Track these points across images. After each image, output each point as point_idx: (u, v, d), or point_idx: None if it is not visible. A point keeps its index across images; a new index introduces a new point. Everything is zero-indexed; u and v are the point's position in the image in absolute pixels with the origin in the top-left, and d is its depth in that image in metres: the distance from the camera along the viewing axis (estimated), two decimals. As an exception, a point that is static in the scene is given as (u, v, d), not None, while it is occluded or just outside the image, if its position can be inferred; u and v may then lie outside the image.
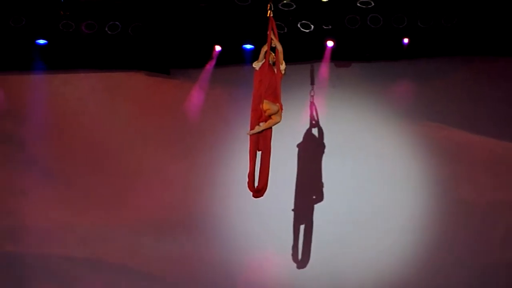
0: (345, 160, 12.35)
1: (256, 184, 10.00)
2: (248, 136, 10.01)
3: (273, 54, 10.09)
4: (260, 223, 12.26)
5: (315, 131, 12.32)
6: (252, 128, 10.02)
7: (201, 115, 12.63)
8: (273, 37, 10.09)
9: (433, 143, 12.31)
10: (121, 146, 12.70)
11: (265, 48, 10.11)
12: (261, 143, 10.09)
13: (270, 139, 10.07)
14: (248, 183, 9.98)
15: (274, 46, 10.08)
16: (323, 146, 12.31)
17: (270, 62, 10.04)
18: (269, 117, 10.01)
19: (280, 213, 12.18)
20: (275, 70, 10.05)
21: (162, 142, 12.68)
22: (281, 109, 10.04)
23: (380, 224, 12.17)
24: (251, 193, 10.06)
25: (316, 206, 12.22)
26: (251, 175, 10.03)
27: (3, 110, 12.77)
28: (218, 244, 12.32)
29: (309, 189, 12.30)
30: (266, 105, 9.99)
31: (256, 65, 10.10)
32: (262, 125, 10.03)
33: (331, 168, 12.30)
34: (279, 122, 10.05)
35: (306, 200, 12.29)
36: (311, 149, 12.37)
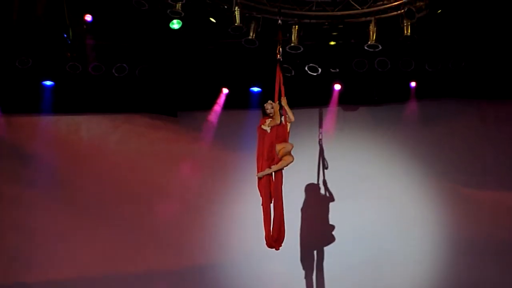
0: (354, 203, 12.29)
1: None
2: (257, 179, 10.00)
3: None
4: (271, 266, 12.15)
5: (324, 174, 12.27)
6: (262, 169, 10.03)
7: (208, 158, 12.63)
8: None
9: (441, 185, 12.26)
10: (130, 189, 12.64)
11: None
12: (273, 189, 10.06)
13: (282, 184, 10.05)
14: (266, 233, 9.93)
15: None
16: (330, 190, 12.27)
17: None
18: (280, 159, 10.03)
19: (291, 256, 12.06)
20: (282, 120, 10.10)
21: (170, 184, 12.62)
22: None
23: (390, 267, 12.08)
24: (269, 243, 10.02)
25: (326, 248, 12.14)
26: (268, 225, 10.00)
27: (10, 151, 12.75)
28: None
29: (320, 233, 12.23)
30: (279, 146, 10.01)
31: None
32: (274, 167, 10.03)
33: (340, 211, 12.23)
34: (292, 161, 10.05)
35: (317, 243, 12.22)
36: (321, 193, 12.30)
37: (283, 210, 10.08)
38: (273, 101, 10.10)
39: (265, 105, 10.17)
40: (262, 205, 10.03)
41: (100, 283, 12.29)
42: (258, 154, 10.07)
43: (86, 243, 12.44)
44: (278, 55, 10.27)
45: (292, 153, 10.06)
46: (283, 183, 9.99)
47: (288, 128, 10.21)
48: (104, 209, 12.55)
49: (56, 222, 12.51)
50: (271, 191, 10.04)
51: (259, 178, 9.99)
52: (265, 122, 10.07)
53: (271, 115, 10.09)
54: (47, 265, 12.36)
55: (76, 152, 12.78)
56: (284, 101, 10.13)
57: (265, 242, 10.06)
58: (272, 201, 10.09)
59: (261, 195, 10.01)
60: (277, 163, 10.05)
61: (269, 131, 10.06)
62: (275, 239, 10.04)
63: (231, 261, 12.30)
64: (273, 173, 10.03)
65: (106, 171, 12.70)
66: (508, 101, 12.23)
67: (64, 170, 12.69)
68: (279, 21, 10.66)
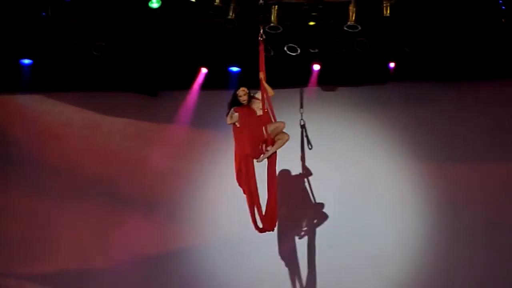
0: (335, 183, 12.35)
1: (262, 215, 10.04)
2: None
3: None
4: (248, 248, 12.22)
5: (304, 155, 12.33)
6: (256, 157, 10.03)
7: (187, 137, 12.62)
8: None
9: (422, 165, 12.32)
10: (107, 167, 12.64)
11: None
12: (268, 171, 10.10)
13: (276, 164, 10.13)
14: (256, 216, 10.01)
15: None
16: (311, 170, 12.33)
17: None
18: (274, 140, 10.05)
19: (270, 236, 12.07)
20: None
21: (148, 164, 12.64)
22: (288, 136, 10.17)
23: (371, 243, 12.18)
24: (259, 227, 10.08)
25: (307, 225, 12.28)
26: (259, 207, 10.02)
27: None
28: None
29: (301, 212, 12.30)
30: (271, 127, 10.01)
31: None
32: (271, 149, 10.04)
33: (321, 191, 12.28)
34: (288, 139, 10.11)
35: (298, 222, 12.32)
36: (302, 173, 12.35)
37: (276, 194, 10.16)
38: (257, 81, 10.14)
39: (237, 92, 10.15)
40: (245, 193, 10.04)
41: (63, 262, 12.38)
42: (240, 148, 10.05)
43: (56, 222, 12.50)
44: (261, 35, 10.31)
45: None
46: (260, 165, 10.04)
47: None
48: (78, 189, 12.57)
49: (31, 202, 12.53)
50: (268, 176, 10.09)
51: (239, 171, 10.01)
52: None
53: (244, 103, 10.09)
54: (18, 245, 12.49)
55: (53, 131, 12.73)
56: (262, 75, 10.14)
57: (254, 227, 10.09)
58: (267, 185, 10.11)
59: (242, 186, 10.04)
60: (272, 145, 10.09)
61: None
62: (268, 223, 10.10)
63: (205, 244, 12.35)
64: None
65: (83, 150, 12.69)
66: (488, 81, 12.26)
67: (39, 149, 12.65)
68: (261, 1, 10.64)
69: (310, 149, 12.23)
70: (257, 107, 10.19)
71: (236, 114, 10.09)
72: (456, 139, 12.34)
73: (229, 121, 10.11)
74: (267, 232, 10.26)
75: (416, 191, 12.29)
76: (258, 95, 10.22)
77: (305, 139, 12.27)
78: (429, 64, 12.17)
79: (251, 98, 10.21)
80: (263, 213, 10.04)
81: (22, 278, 12.37)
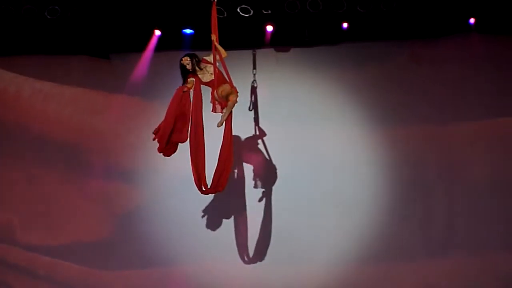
0: (289, 145, 12.40)
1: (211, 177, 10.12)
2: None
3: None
4: (212, 214, 12.37)
5: (257, 116, 12.37)
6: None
7: (140, 100, 12.62)
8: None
9: (377, 127, 12.39)
10: (60, 131, 12.63)
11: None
12: (225, 131, 10.17)
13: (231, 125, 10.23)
14: (201, 177, 10.07)
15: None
16: (265, 132, 12.39)
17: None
18: (227, 101, 10.10)
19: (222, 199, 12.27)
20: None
21: (102, 126, 12.65)
22: (236, 91, 10.16)
23: (321, 209, 12.27)
24: (202, 188, 10.14)
25: (258, 190, 12.33)
26: (202, 167, 10.09)
27: None
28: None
29: (255, 176, 12.35)
30: (218, 90, 10.09)
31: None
32: (226, 110, 10.11)
33: (274, 154, 12.34)
34: (237, 96, 10.16)
35: (249, 185, 12.38)
36: (254, 134, 12.41)
37: (232, 155, 10.26)
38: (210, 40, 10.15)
39: (181, 63, 10.19)
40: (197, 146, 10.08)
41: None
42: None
43: (13, 188, 12.61)
44: None
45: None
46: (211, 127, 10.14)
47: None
48: (33, 157, 12.61)
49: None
50: (224, 136, 10.17)
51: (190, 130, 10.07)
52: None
53: (192, 70, 10.15)
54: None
55: (6, 97, 12.73)
56: (214, 37, 10.14)
57: (197, 188, 10.17)
58: (222, 145, 10.20)
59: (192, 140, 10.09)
60: (223, 106, 10.15)
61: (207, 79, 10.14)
62: (218, 184, 10.17)
63: (156, 204, 12.50)
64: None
65: (37, 115, 12.67)
66: (441, 39, 12.32)
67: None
68: None
69: (250, 110, 12.25)
70: (209, 71, 10.24)
71: (193, 79, 10.15)
72: (410, 98, 12.38)
73: (189, 85, 10.15)
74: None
75: (370, 152, 12.36)
76: (210, 58, 10.27)
77: (253, 99, 12.32)
78: (382, 24, 12.17)
79: (200, 62, 10.25)
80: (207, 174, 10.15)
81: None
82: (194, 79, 10.14)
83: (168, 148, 10.18)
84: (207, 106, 10.18)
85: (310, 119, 12.47)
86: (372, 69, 12.46)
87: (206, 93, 10.21)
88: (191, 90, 10.12)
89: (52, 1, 11.98)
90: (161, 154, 10.23)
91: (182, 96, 10.09)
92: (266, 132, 12.35)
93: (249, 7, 11.88)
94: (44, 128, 12.64)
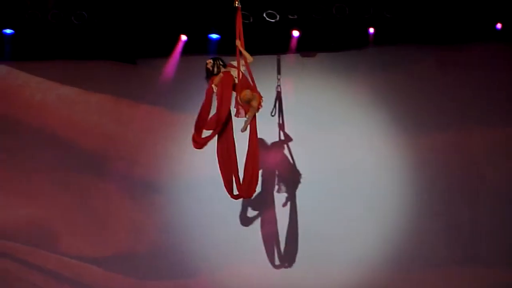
0: (313, 150, 12.37)
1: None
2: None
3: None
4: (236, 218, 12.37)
5: (282, 121, 12.34)
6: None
7: (167, 107, 12.63)
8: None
9: (401, 131, 12.34)
10: (87, 137, 12.65)
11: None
12: (250, 137, 10.20)
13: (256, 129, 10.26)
14: (233, 183, 10.13)
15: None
16: (290, 137, 12.37)
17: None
18: (249, 106, 10.13)
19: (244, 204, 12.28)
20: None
21: (130, 132, 12.67)
22: (260, 96, 10.18)
23: (348, 211, 12.24)
24: (233, 194, 10.22)
25: (281, 194, 12.29)
26: (236, 173, 10.10)
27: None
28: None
29: (279, 180, 12.32)
30: (241, 95, 10.13)
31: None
32: (248, 115, 10.15)
33: (299, 158, 12.31)
34: (261, 100, 10.22)
35: (274, 189, 12.33)
36: (280, 139, 12.37)
37: (258, 160, 10.31)
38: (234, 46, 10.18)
39: (206, 66, 10.31)
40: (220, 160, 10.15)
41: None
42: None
43: (39, 194, 12.59)
44: (236, 2, 10.29)
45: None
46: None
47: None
48: (62, 163, 12.61)
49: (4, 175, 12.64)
50: (249, 141, 10.21)
51: (216, 140, 10.09)
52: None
53: (217, 72, 10.21)
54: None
55: (33, 99, 12.75)
56: (239, 43, 10.18)
57: (229, 194, 10.24)
58: (248, 151, 10.25)
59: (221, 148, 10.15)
60: (246, 112, 10.19)
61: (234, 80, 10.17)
62: (247, 190, 10.22)
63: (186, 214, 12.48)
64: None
65: (64, 119, 12.69)
66: (467, 45, 12.26)
67: (19, 116, 12.68)
68: None
69: (272, 116, 12.21)
70: (234, 75, 10.27)
71: (218, 77, 10.21)
72: (436, 104, 12.33)
73: (216, 81, 10.19)
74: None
75: (395, 156, 12.31)
76: (235, 63, 10.28)
77: (277, 105, 12.29)
78: (409, 29, 12.14)
79: (226, 66, 10.31)
80: (241, 180, 10.18)
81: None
82: (222, 74, 10.20)
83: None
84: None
85: (335, 123, 12.44)
86: (397, 74, 12.40)
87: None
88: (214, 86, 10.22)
89: (79, 6, 12.06)
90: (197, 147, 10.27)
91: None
92: (291, 137, 12.33)
93: (275, 12, 11.88)
94: (70, 134, 12.64)
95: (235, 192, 10.27)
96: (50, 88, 12.76)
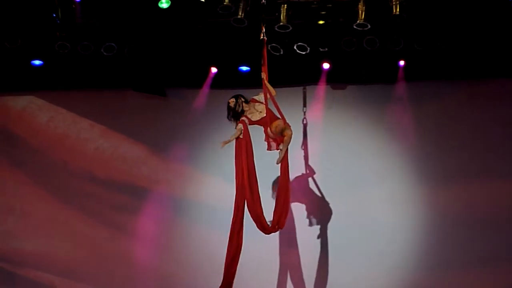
0: (341, 183, 12.31)
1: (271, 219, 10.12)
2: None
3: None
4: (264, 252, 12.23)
5: (307, 154, 12.29)
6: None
7: (197, 137, 12.62)
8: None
9: (431, 165, 12.25)
10: (117, 167, 12.69)
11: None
12: (282, 169, 10.16)
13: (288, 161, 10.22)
14: (261, 220, 10.02)
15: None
16: (315, 169, 12.33)
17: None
18: (282, 136, 10.08)
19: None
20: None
21: (159, 164, 12.69)
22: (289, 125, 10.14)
23: (375, 244, 12.13)
24: (266, 229, 10.14)
25: (311, 227, 12.22)
26: (260, 211, 10.00)
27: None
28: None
29: (306, 214, 12.26)
30: (272, 127, 10.07)
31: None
32: (283, 146, 10.10)
33: (327, 191, 12.24)
34: (291, 134, 10.12)
35: (300, 223, 12.26)
36: (305, 172, 12.32)
37: (290, 192, 10.25)
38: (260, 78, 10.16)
39: (229, 105, 10.26)
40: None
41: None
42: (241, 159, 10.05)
43: (70, 226, 12.63)
44: (262, 35, 10.31)
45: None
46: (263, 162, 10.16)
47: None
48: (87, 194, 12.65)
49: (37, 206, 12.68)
50: (281, 174, 10.16)
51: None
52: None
53: (240, 110, 10.16)
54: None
55: (63, 130, 12.82)
56: (264, 75, 10.16)
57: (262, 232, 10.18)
58: (279, 183, 10.23)
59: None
60: (279, 143, 10.14)
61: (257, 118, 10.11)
62: (278, 223, 10.13)
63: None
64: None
65: (93, 149, 12.75)
66: (499, 79, 12.19)
67: (49, 146, 12.76)
68: (263, 1, 10.62)
69: (302, 149, 12.20)
70: (258, 109, 10.22)
71: (240, 125, 10.12)
72: (466, 138, 12.26)
73: (237, 134, 10.11)
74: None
75: (422, 189, 12.22)
76: (258, 97, 10.26)
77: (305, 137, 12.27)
78: (440, 62, 12.11)
79: (248, 102, 10.28)
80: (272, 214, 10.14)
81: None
82: (242, 126, 10.10)
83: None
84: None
85: (364, 155, 12.38)
86: (427, 108, 12.35)
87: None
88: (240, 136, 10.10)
89: (108, 38, 12.10)
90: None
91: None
92: (320, 168, 12.28)
93: (305, 45, 11.88)
94: (96, 167, 12.70)
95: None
96: (76, 118, 12.83)
